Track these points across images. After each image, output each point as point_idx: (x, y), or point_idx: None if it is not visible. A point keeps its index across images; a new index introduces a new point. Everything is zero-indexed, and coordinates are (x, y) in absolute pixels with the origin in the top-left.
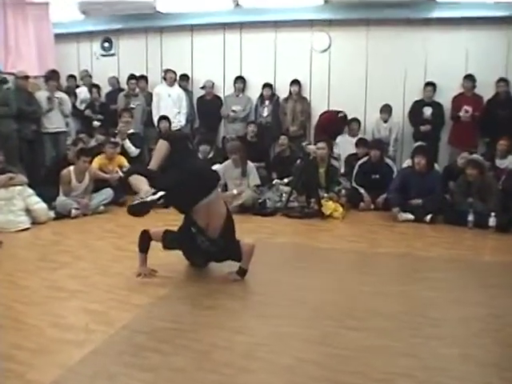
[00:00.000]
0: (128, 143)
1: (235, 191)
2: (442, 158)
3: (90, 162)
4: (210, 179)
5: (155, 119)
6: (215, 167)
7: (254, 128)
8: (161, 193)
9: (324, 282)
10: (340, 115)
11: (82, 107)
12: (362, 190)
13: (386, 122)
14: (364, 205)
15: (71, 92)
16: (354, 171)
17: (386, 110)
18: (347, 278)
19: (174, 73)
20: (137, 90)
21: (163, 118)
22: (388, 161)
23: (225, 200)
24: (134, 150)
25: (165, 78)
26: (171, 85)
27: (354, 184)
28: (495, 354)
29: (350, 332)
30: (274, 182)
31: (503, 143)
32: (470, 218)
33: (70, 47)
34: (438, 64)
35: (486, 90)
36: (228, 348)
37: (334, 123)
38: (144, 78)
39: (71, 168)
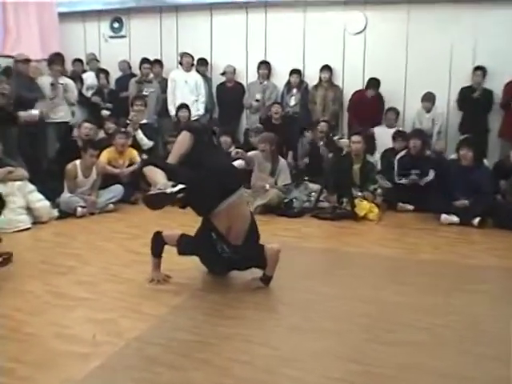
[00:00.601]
0: (140, 134)
1: (267, 185)
2: (491, 154)
3: (98, 155)
4: (234, 179)
5: (170, 108)
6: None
7: (278, 108)
8: (181, 186)
9: (357, 292)
10: (370, 81)
11: (89, 94)
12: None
13: (428, 112)
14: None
15: (77, 78)
16: (395, 167)
17: (429, 98)
18: (383, 287)
19: (192, 57)
20: (151, 75)
21: (183, 106)
22: (430, 154)
23: (255, 190)
24: (147, 142)
25: (181, 63)
26: (188, 70)
27: (398, 181)
28: None
29: (386, 348)
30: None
31: None
32: None
33: (76, 28)
34: (489, 46)
35: None
36: (250, 363)
37: (367, 101)
38: (158, 62)
39: (77, 162)
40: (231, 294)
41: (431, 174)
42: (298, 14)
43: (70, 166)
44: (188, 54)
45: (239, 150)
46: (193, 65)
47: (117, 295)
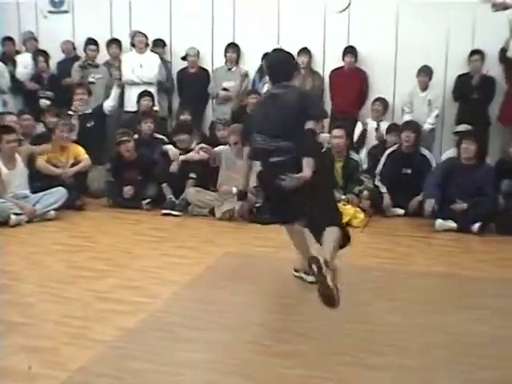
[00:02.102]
0: None
1: (234, 189)
2: (491, 150)
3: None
4: None
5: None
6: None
7: (255, 99)
8: None
9: (338, 309)
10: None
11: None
12: (383, 189)
13: (424, 90)
14: (384, 206)
15: (9, 60)
16: (381, 162)
17: (426, 71)
18: (370, 304)
19: (145, 36)
20: (111, 58)
21: (145, 93)
22: (424, 151)
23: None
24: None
25: (133, 44)
26: (142, 51)
27: (378, 181)
28: None
29: (371, 372)
30: None
31: None
32: None
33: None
34: (489, 27)
35: None
36: None
37: (346, 78)
38: (116, 42)
39: None
40: (198, 314)
41: None
42: None
43: None
44: (140, 32)
45: (204, 146)
46: (147, 45)
47: (57, 318)
